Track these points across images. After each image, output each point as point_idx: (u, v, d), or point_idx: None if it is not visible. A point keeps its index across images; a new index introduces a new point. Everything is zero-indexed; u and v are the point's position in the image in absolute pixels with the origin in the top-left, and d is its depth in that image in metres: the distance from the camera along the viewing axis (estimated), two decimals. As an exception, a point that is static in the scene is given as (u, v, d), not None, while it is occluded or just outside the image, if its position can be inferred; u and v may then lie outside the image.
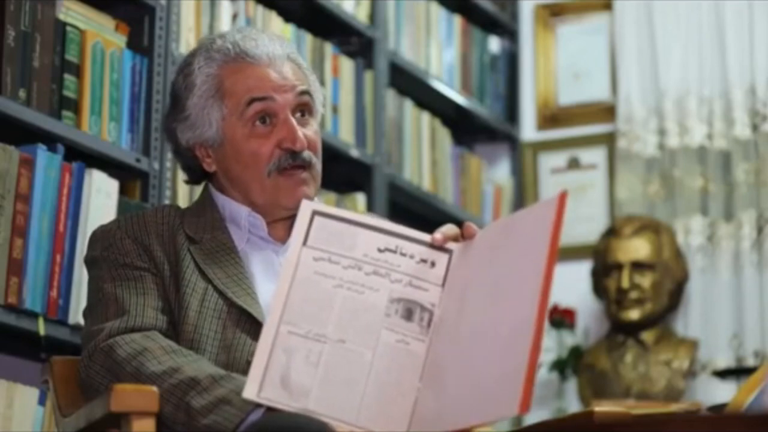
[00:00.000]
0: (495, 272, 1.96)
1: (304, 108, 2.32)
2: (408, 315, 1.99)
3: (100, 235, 2.30)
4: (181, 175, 2.47)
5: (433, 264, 2.03)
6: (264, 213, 2.31)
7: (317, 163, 2.31)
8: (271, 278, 2.24)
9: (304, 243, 2.01)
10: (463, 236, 2.05)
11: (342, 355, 1.96)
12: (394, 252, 2.02)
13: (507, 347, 1.86)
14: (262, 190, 2.29)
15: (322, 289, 1.99)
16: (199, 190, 2.44)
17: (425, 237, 2.05)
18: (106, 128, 2.98)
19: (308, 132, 2.30)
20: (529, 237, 1.92)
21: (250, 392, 1.93)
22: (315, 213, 2.03)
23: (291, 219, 2.30)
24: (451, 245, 2.04)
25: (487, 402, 1.86)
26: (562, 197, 1.89)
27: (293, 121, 2.28)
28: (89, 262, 2.31)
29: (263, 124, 2.28)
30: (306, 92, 2.31)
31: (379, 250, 2.02)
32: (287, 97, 2.29)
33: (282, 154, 2.27)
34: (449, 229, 2.06)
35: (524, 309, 1.85)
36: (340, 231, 2.02)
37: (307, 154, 2.28)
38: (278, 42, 2.34)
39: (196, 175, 2.40)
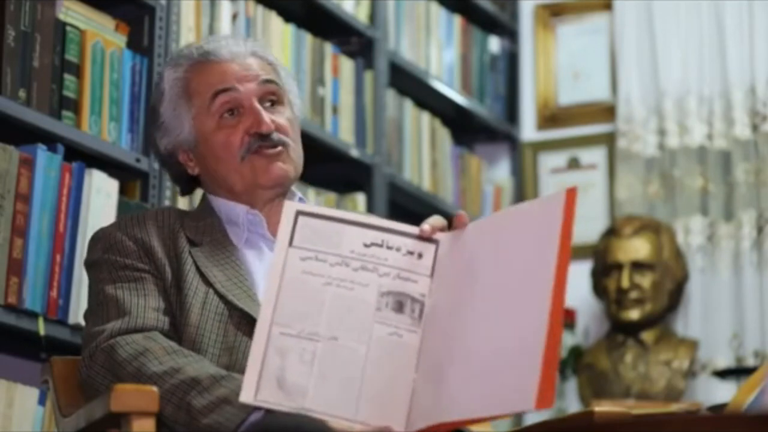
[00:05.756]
0: (496, 265, 1.97)
1: (270, 97, 2.35)
2: (399, 307, 2.00)
3: (101, 237, 2.30)
4: (175, 188, 2.48)
5: (420, 255, 2.04)
6: (250, 200, 2.33)
7: (292, 143, 2.34)
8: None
9: (290, 243, 2.02)
10: (455, 225, 2.07)
11: (336, 352, 1.96)
12: (381, 246, 2.03)
13: (519, 342, 1.86)
14: (240, 177, 2.31)
15: (311, 288, 1.99)
16: (197, 197, 2.45)
17: (410, 229, 2.06)
18: (106, 128, 2.98)
19: (277, 118, 2.33)
20: (536, 232, 1.92)
21: (246, 396, 1.93)
22: (299, 213, 2.04)
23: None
24: (437, 235, 2.05)
25: (499, 395, 1.86)
26: (571, 192, 1.89)
27: (258, 106, 2.32)
28: (90, 264, 2.31)
29: (231, 116, 2.32)
30: (270, 81, 2.35)
31: (366, 245, 2.02)
32: (250, 86, 2.33)
33: (251, 139, 2.31)
34: (436, 220, 2.08)
35: (534, 304, 1.86)
36: (325, 229, 2.03)
37: (275, 135, 2.32)
38: (242, 42, 2.39)
39: (187, 183, 2.43)
